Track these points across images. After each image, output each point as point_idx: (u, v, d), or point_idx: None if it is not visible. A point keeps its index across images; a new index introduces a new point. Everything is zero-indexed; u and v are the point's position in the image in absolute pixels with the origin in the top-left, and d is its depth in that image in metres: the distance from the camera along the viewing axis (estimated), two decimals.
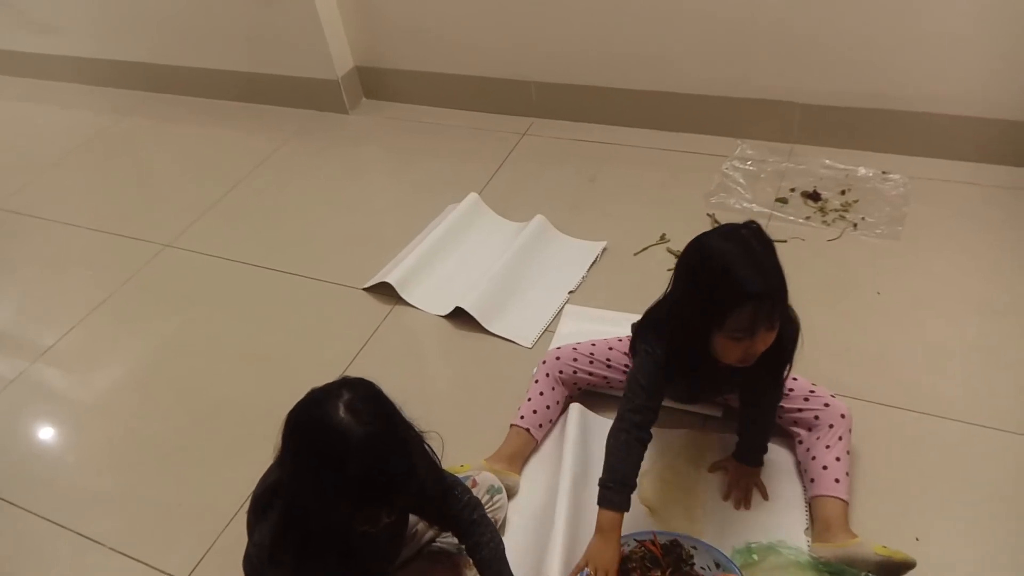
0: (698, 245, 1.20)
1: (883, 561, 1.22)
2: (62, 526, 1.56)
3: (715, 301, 1.14)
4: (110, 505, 1.59)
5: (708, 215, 2.09)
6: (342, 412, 0.99)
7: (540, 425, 1.53)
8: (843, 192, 2.10)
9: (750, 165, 2.25)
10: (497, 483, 1.40)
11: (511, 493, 1.45)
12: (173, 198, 2.57)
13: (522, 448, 1.51)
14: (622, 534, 1.30)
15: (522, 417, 1.53)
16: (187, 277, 2.21)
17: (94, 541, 1.52)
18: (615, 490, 1.24)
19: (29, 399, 1.89)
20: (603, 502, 1.25)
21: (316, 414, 1.01)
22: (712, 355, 1.20)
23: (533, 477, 1.50)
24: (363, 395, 1.03)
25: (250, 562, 1.22)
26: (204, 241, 2.33)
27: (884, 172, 2.14)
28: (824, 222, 2.02)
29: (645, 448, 1.28)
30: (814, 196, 2.10)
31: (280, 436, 1.03)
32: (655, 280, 1.86)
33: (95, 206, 2.61)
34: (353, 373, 1.74)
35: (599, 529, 1.24)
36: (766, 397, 1.37)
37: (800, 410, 1.42)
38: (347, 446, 0.97)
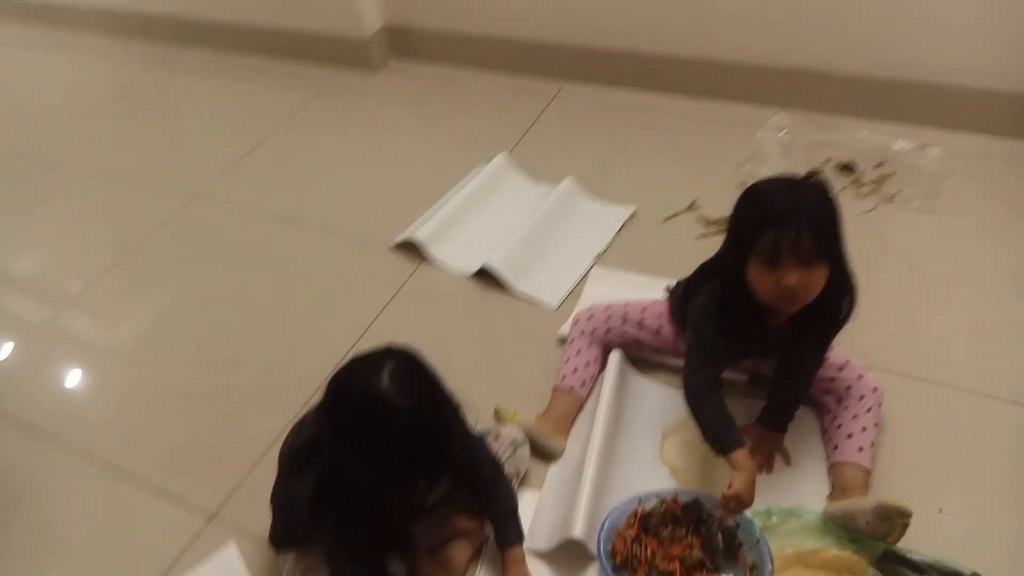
0: (752, 184, 1.24)
1: (878, 506, 1.22)
2: (91, 459, 1.59)
3: (746, 225, 1.20)
4: (138, 443, 1.62)
5: (740, 184, 2.06)
6: (386, 382, 0.98)
7: (583, 383, 1.53)
8: (879, 165, 2.07)
9: (784, 134, 2.21)
10: (521, 437, 1.41)
11: (554, 456, 1.46)
12: (200, 152, 2.57)
13: (568, 409, 1.52)
14: (644, 492, 1.32)
15: (563, 378, 1.54)
16: (213, 230, 2.23)
17: (122, 475, 1.55)
18: (725, 434, 1.26)
19: (56, 344, 1.92)
20: (725, 448, 1.25)
21: (360, 383, 1.01)
22: (757, 305, 1.22)
23: (572, 431, 1.51)
24: (407, 365, 1.03)
25: (276, 502, 1.25)
26: (230, 195, 2.34)
27: (922, 146, 2.10)
28: (858, 194, 1.99)
29: (720, 391, 1.31)
30: (849, 168, 2.07)
31: (322, 397, 1.04)
32: (683, 247, 1.86)
33: (123, 157, 2.62)
34: (376, 331, 1.78)
35: (737, 467, 1.22)
36: (804, 362, 1.36)
37: (832, 380, 1.41)
38: (390, 417, 0.97)
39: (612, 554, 1.25)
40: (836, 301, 1.25)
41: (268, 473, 1.27)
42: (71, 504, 1.52)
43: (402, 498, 1.14)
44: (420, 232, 1.97)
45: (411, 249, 1.99)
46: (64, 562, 1.42)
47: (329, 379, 1.04)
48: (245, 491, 1.47)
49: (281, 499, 1.23)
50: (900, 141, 2.12)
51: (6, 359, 1.88)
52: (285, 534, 1.25)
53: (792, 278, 1.16)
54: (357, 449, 1.02)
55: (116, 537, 1.44)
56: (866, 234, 1.87)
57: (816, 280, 1.17)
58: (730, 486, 1.21)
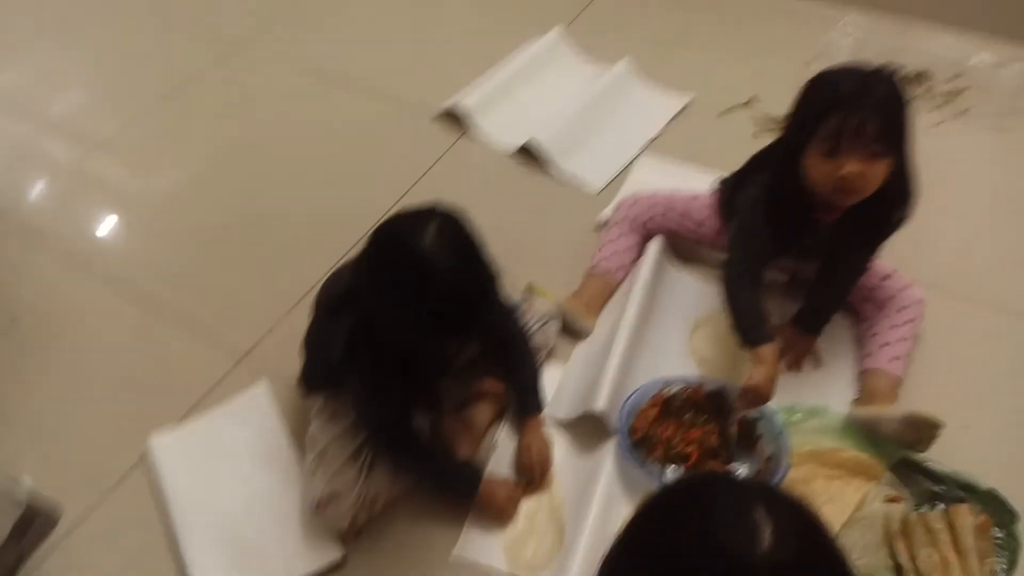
0: (820, 71, 1.18)
1: (907, 415, 1.21)
2: (128, 293, 1.61)
3: (810, 109, 1.16)
4: (174, 282, 1.64)
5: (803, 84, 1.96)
6: (429, 241, 0.98)
7: (618, 268, 1.51)
8: (954, 77, 1.95)
9: (857, 35, 2.09)
10: (551, 312, 1.41)
11: (583, 335, 1.46)
12: (240, 5, 2.47)
13: (601, 291, 1.50)
14: (671, 377, 1.33)
15: (599, 261, 1.52)
16: (253, 82, 2.16)
17: (158, 310, 1.57)
18: (755, 327, 1.25)
19: (97, 185, 1.90)
20: (753, 342, 1.24)
21: (403, 238, 1.01)
22: (809, 199, 1.18)
23: (603, 314, 1.50)
24: (451, 225, 1.02)
25: (309, 344, 1.27)
26: (273, 48, 2.26)
27: (1003, 61, 1.97)
28: (929, 106, 1.88)
29: (758, 286, 1.29)
30: (921, 77, 1.96)
31: (364, 247, 1.03)
32: (737, 142, 1.78)
33: (160, 6, 2.52)
34: (413, 197, 1.75)
35: (760, 361, 1.22)
36: (849, 265, 1.33)
37: (875, 287, 1.38)
38: (430, 277, 0.97)
39: (631, 431, 1.27)
40: (892, 203, 1.21)
41: (303, 318, 1.28)
42: (108, 336, 1.55)
43: (432, 355, 1.16)
44: (467, 100, 1.91)
45: (453, 119, 1.93)
46: (99, 390, 1.45)
47: (374, 230, 1.03)
48: (279, 334, 1.50)
49: (314, 342, 1.25)
50: (980, 54, 2.00)
51: (48, 196, 1.88)
52: (315, 377, 1.28)
53: (852, 166, 1.11)
54: (393, 302, 1.02)
55: (150, 369, 1.48)
56: (932, 147, 1.75)
57: (876, 173, 1.13)
58: (750, 378, 1.21)
